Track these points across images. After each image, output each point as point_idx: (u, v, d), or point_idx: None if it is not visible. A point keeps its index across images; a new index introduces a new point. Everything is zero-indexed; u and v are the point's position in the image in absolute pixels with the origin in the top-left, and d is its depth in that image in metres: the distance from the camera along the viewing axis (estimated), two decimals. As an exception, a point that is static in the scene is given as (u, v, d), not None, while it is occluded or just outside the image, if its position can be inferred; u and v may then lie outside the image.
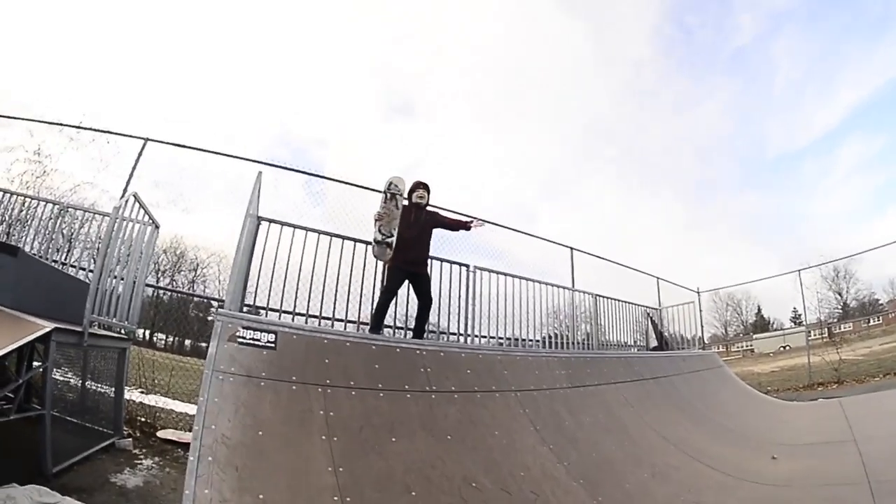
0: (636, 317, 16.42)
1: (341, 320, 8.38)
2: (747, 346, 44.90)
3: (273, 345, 4.64)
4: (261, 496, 3.41)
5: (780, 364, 25.92)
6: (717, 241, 76.17)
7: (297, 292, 8.10)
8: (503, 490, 4.66)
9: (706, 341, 20.35)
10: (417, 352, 5.91)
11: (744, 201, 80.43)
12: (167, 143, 10.12)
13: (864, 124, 75.95)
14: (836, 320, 38.95)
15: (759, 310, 51.90)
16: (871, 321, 38.19)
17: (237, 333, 4.52)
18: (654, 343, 16.66)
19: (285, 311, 7.99)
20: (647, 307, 17.03)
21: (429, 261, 8.46)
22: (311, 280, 8.04)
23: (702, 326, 19.48)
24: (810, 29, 74.04)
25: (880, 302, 41.84)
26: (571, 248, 14.53)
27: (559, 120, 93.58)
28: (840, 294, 45.91)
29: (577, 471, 5.65)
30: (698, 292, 19.80)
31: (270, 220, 7.90)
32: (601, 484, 5.66)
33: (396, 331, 9.03)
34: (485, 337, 10.18)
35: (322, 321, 8.29)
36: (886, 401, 12.07)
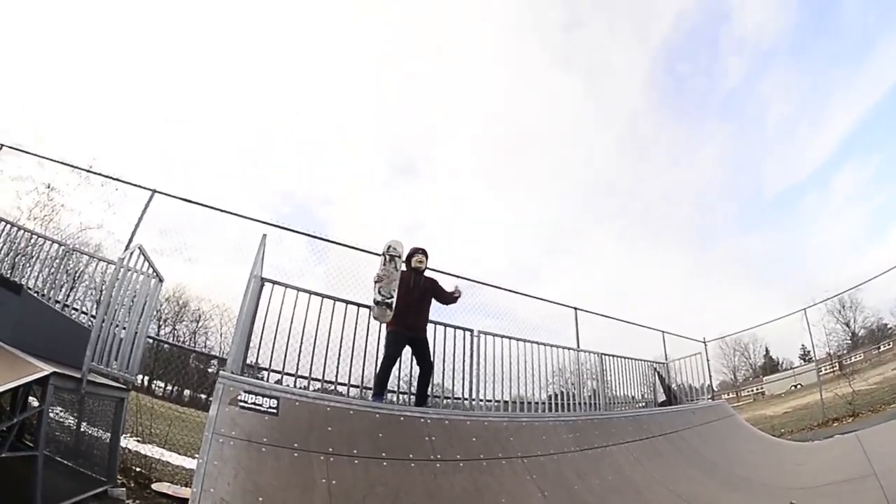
0: (643, 372, 16.28)
1: (343, 384, 8.29)
2: (758, 389, 44.52)
3: (275, 410, 4.65)
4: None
5: (792, 404, 25.58)
6: (720, 287, 77.22)
7: (299, 354, 8.01)
8: None
9: (716, 389, 20.16)
10: (422, 420, 5.91)
11: (745, 244, 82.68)
12: (174, 196, 10.31)
13: (857, 149, 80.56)
14: (846, 352, 38.77)
15: (767, 351, 51.72)
16: (882, 347, 37.51)
17: (238, 397, 4.56)
18: (662, 398, 16.48)
19: (287, 374, 7.95)
20: (653, 362, 16.95)
21: (428, 326, 8.46)
22: (315, 342, 7.96)
23: (710, 376, 19.54)
24: (795, 62, 77.73)
25: (889, 326, 40.88)
26: (576, 309, 14.61)
27: (559, 176, 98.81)
28: (848, 325, 45.41)
29: None
30: (705, 342, 19.73)
31: (274, 282, 7.87)
32: None
33: (400, 395, 9.04)
34: (490, 401, 10.12)
35: (324, 384, 8.23)
36: None
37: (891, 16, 69.35)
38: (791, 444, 14.37)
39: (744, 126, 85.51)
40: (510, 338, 10.84)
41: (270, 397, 4.65)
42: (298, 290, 8.05)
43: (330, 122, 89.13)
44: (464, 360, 9.74)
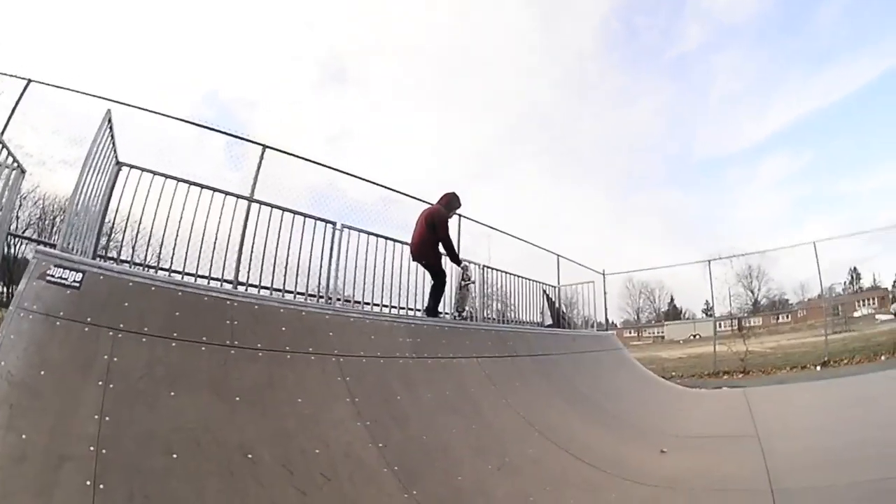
0: (536, 295, 15.53)
1: (192, 275, 7.80)
2: (658, 332, 47.28)
3: (78, 284, 4.18)
4: (24, 436, 3.16)
5: (689, 351, 26.39)
6: (640, 234, 79.67)
7: (161, 245, 7.71)
8: (284, 467, 3.97)
9: (618, 326, 20.35)
10: (228, 302, 5.01)
11: (669, 197, 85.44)
12: (55, 86, 8.06)
13: (792, 142, 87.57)
14: (745, 315, 40.75)
15: (672, 299, 54.82)
16: (781, 318, 41.38)
17: (48, 271, 4.14)
18: (549, 321, 15.75)
19: (135, 264, 7.62)
20: (543, 283, 16.06)
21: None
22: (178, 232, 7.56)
23: (606, 309, 19.77)
24: (755, 48, 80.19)
25: (790, 302, 44.34)
26: (461, 216, 12.96)
27: (495, 102, 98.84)
28: (752, 291, 48.92)
29: (394, 455, 4.76)
30: (604, 274, 19.73)
31: (132, 167, 7.43)
32: (423, 474, 4.81)
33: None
34: (358, 302, 9.59)
35: (185, 276, 7.70)
36: (793, 394, 11.66)
37: (860, 35, 76.25)
38: (677, 388, 13.88)
39: (687, 90, 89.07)
40: (377, 235, 10.08)
41: (77, 271, 4.17)
42: (155, 174, 7.55)
43: (260, 18, 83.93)
44: (322, 255, 9.21)
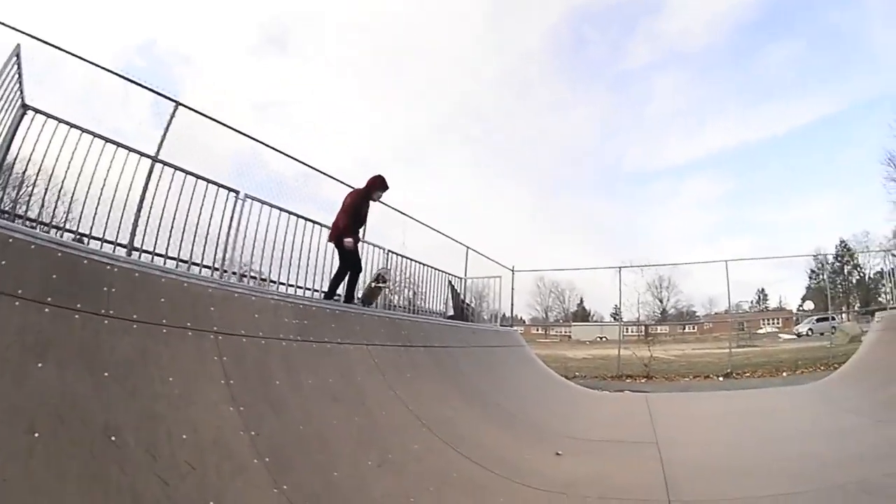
0: (442, 285, 15.34)
1: (84, 235, 7.28)
2: (565, 332, 47.82)
3: None
4: None
5: (594, 353, 26.53)
6: (558, 235, 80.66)
7: (57, 200, 7.21)
8: (148, 452, 3.59)
9: (526, 322, 20.40)
10: (108, 267, 4.53)
11: (591, 204, 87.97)
12: None
13: (717, 168, 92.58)
14: (653, 322, 42.27)
15: (582, 301, 56.50)
16: (687, 329, 42.96)
17: None
18: (451, 312, 15.49)
19: (19, 216, 6.88)
20: (449, 274, 15.80)
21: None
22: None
23: (513, 305, 19.66)
24: (698, 74, 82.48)
25: (698, 315, 46.77)
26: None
27: (435, 90, 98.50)
28: (661, 300, 51.92)
29: (266, 444, 4.40)
30: (513, 270, 19.58)
31: (37, 111, 6.83)
32: (296, 467, 4.47)
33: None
34: (255, 278, 9.38)
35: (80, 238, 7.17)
36: (695, 402, 11.82)
37: (805, 81, 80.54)
38: (578, 388, 13.77)
39: (624, 104, 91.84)
40: (282, 210, 9.61)
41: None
42: (61, 121, 6.93)
43: None
44: (220, 225, 8.63)
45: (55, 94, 7.26)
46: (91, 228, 7.26)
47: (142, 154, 7.75)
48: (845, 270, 46.94)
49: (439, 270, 15.02)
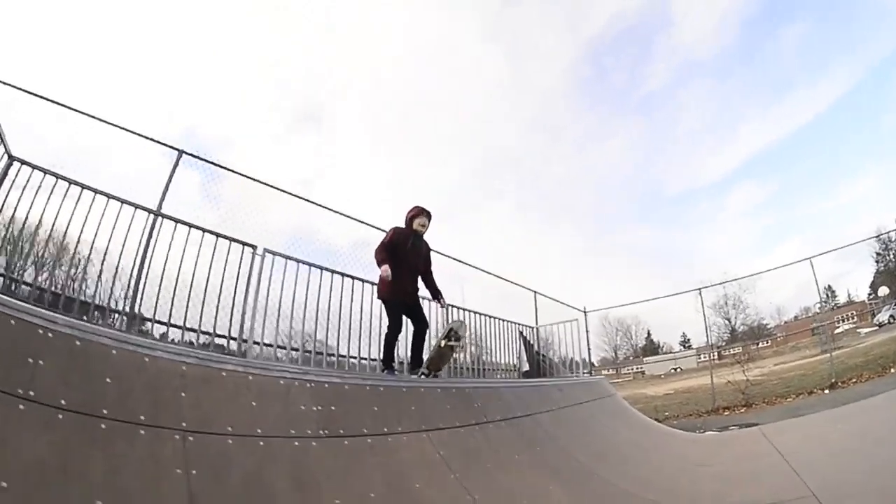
0: (511, 338, 13.11)
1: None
2: (638, 368, 46.37)
3: None
4: None
5: (674, 386, 24.90)
6: (610, 271, 79.82)
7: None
8: None
9: (596, 365, 17.99)
10: (40, 331, 3.21)
11: (638, 234, 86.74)
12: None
13: (757, 172, 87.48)
14: (724, 344, 41.07)
15: (649, 334, 53.76)
16: (760, 343, 39.26)
17: None
18: (526, 367, 13.42)
19: None
20: (520, 324, 13.68)
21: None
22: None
23: (589, 349, 17.28)
24: (718, 80, 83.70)
25: (768, 326, 44.82)
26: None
27: (463, 145, 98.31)
28: (729, 320, 48.27)
29: None
30: (585, 311, 17.21)
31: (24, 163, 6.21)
32: None
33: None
34: (269, 345, 7.90)
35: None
36: (821, 428, 9.09)
37: (819, 65, 77.29)
38: (685, 436, 11.42)
39: (655, 127, 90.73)
40: (303, 262, 8.16)
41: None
42: (48, 173, 6.27)
43: (234, 60, 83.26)
44: (236, 286, 7.32)
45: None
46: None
47: (142, 208, 6.75)
48: (912, 245, 43.27)
49: (508, 321, 12.96)
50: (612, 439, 8.65)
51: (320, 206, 9.29)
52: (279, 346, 7.76)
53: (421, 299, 7.46)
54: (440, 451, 4.82)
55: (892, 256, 40.45)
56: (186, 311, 6.78)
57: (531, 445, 6.24)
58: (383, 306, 7.23)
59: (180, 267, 6.77)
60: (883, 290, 37.37)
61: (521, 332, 13.55)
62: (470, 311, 11.28)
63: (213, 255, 7.12)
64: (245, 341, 7.05)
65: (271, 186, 8.56)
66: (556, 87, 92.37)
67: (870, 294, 40.41)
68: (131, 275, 6.53)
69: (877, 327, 28.34)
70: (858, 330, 29.65)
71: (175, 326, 6.84)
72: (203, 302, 6.93)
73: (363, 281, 8.66)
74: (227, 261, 7.19)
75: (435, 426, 5.18)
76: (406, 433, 4.84)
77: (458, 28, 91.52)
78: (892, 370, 13.95)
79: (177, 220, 6.92)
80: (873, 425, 7.94)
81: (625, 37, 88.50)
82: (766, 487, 6.08)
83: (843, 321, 35.75)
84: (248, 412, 3.74)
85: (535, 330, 14.45)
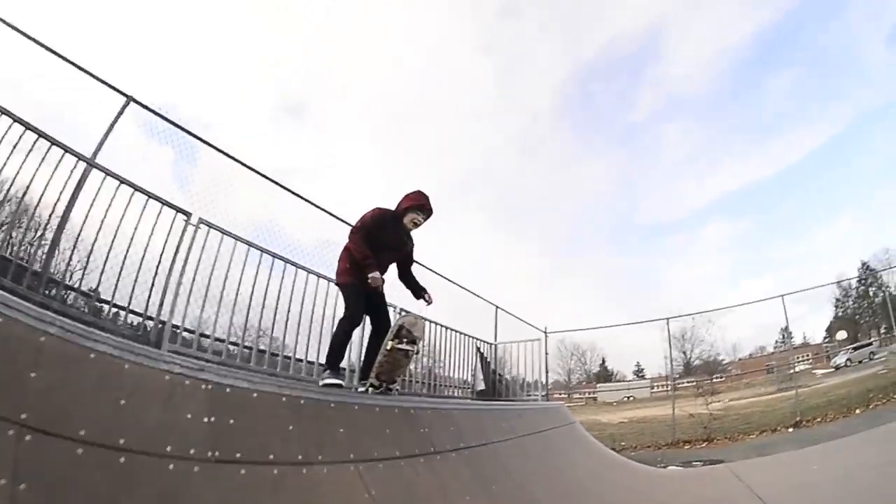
0: (464, 351, 11.92)
1: None
2: (590, 393, 46.56)
3: None
4: None
5: (628, 415, 24.86)
6: (574, 295, 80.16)
7: None
8: None
9: (549, 387, 17.24)
10: None
11: (607, 260, 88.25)
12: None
13: (731, 209, 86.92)
14: (677, 377, 39.61)
15: (604, 361, 52.91)
16: (714, 378, 39.74)
17: None
18: (481, 386, 12.39)
19: None
20: (476, 338, 12.59)
21: None
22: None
23: (547, 372, 16.71)
24: (704, 119, 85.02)
25: (724, 361, 44.11)
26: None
27: (443, 154, 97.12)
28: (684, 353, 47.94)
29: None
30: (546, 332, 16.39)
31: None
32: None
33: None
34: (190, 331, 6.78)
35: None
36: (795, 468, 8.15)
37: (804, 112, 78.15)
38: (649, 471, 10.32)
39: (636, 156, 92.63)
40: (248, 243, 7.14)
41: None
42: None
43: (224, 44, 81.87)
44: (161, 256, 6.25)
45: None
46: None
47: (73, 152, 5.63)
48: (870, 293, 43.95)
49: (466, 335, 11.89)
50: (576, 475, 7.47)
51: (289, 190, 8.48)
52: (202, 335, 6.54)
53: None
54: (371, 489, 3.64)
55: (850, 303, 40.71)
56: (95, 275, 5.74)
57: (486, 484, 5.04)
58: (341, 292, 5.85)
59: (102, 224, 5.71)
60: (841, 335, 37.62)
61: (478, 348, 12.53)
62: (425, 319, 9.98)
63: (141, 217, 6.01)
64: (163, 323, 5.93)
65: (239, 162, 7.69)
66: (543, 105, 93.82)
67: (825, 338, 40.71)
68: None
69: (833, 369, 28.49)
70: (814, 371, 29.83)
71: (71, 289, 5.86)
72: (121, 269, 5.84)
73: (308, 271, 7.66)
74: (154, 226, 6.12)
75: (368, 456, 3.97)
76: (328, 464, 3.60)
77: (454, 36, 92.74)
78: (857, 411, 13.60)
79: (109, 173, 5.84)
80: (856, 466, 7.17)
81: (616, 63, 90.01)
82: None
83: (799, 362, 36.20)
84: (113, 413, 2.62)
85: (493, 347, 13.49)
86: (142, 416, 2.76)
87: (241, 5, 78.53)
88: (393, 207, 5.86)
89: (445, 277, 11.93)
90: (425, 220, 5.95)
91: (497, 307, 14.41)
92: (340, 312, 6.09)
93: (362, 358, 6.35)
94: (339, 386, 5.21)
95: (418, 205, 5.83)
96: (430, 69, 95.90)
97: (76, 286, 5.85)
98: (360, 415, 4.40)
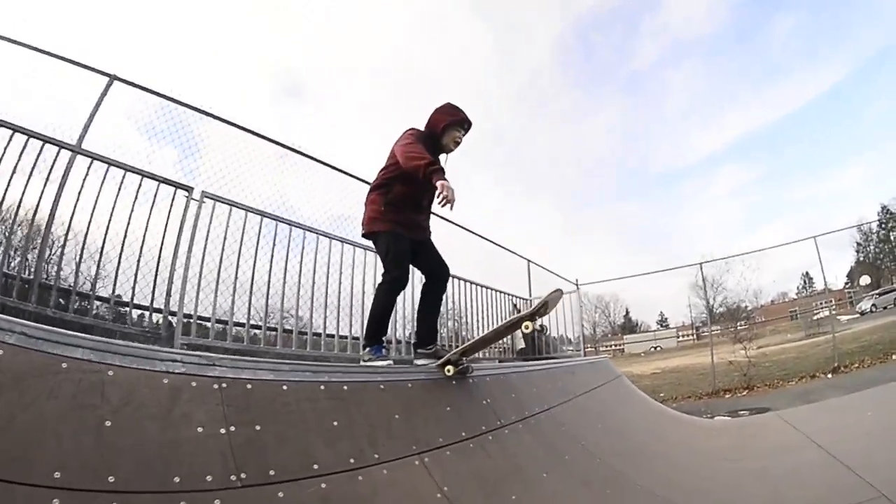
0: (502, 310, 11.37)
1: None
2: (617, 346, 45.62)
3: None
4: None
5: (659, 365, 24.28)
6: (592, 245, 79.06)
7: None
8: None
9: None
10: None
11: (621, 210, 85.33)
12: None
13: (746, 153, 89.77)
14: (701, 325, 39.18)
15: (627, 311, 52.14)
16: (739, 325, 39.10)
17: None
18: (521, 345, 11.74)
19: None
20: (512, 295, 11.95)
21: None
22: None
23: (583, 325, 16.23)
24: (707, 61, 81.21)
25: (748, 307, 42.59)
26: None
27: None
28: (707, 301, 47.49)
29: None
30: (577, 284, 15.50)
31: None
32: None
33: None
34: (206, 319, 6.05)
35: None
36: (850, 415, 7.38)
37: (811, 49, 79.12)
38: (699, 423, 9.68)
39: (641, 105, 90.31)
40: (260, 212, 6.50)
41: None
42: None
43: (218, 32, 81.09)
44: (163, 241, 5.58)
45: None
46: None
47: (56, 142, 5.12)
48: (891, 237, 42.79)
49: (501, 292, 11.30)
50: (633, 433, 6.84)
51: (299, 152, 8.09)
52: (219, 321, 5.83)
53: None
54: (443, 485, 3.04)
55: (872, 247, 39.69)
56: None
57: (558, 455, 4.43)
58: (375, 246, 4.78)
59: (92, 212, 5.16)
60: (864, 280, 36.85)
61: (514, 305, 11.84)
62: (459, 278, 9.73)
63: (136, 199, 5.40)
64: (173, 314, 5.35)
65: (242, 128, 7.27)
66: (544, 59, 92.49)
67: (846, 283, 39.71)
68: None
69: (858, 315, 28.08)
70: (839, 317, 28.73)
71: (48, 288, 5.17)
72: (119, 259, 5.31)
73: (330, 237, 7.11)
74: (152, 207, 5.48)
75: (433, 444, 3.34)
76: (388, 462, 2.97)
77: (445, 4, 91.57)
78: (894, 357, 13.51)
79: (98, 157, 5.28)
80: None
81: (614, 13, 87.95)
82: (823, 489, 4.67)
83: (823, 308, 35.45)
84: (96, 441, 2.02)
85: (528, 302, 12.57)
86: (135, 439, 2.17)
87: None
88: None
89: (476, 233, 11.43)
90: (464, 135, 4.84)
91: (529, 261, 13.90)
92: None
93: (414, 323, 5.21)
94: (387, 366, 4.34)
95: (458, 119, 4.71)
96: (427, 37, 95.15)
97: (51, 283, 5.14)
98: (414, 393, 3.77)
